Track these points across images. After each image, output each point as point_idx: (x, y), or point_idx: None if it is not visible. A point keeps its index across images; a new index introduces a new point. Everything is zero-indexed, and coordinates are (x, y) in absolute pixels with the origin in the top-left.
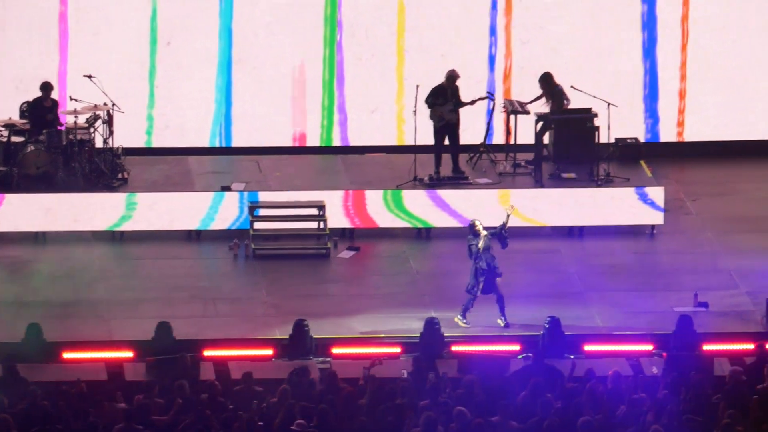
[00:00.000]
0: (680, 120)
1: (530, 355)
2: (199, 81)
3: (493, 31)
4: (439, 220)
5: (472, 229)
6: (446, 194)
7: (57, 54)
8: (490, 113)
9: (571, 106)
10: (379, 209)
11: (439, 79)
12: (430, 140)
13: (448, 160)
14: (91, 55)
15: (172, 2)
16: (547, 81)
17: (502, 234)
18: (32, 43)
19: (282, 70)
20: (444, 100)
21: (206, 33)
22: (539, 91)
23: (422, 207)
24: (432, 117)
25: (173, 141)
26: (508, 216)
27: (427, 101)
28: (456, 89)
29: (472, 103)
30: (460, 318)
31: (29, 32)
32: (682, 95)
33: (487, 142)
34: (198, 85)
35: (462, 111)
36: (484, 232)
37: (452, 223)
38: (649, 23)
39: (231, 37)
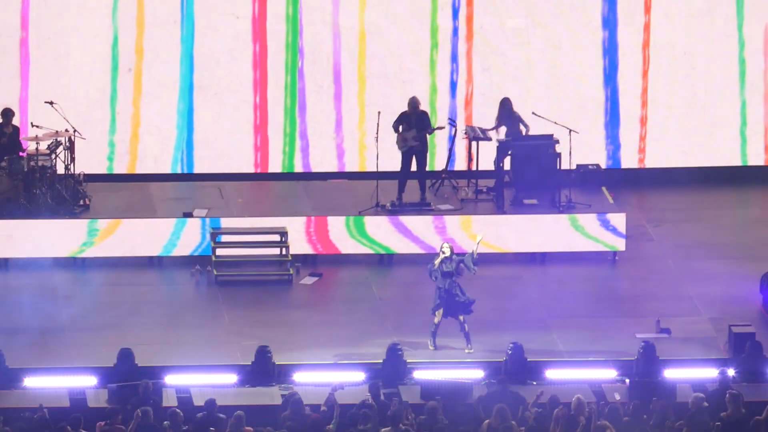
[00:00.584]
0: (641, 146)
1: (493, 381)
2: (160, 107)
3: (454, 58)
4: (401, 246)
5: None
6: (408, 220)
7: (18, 80)
8: (452, 140)
9: (532, 133)
10: (341, 235)
11: (401, 105)
12: (392, 166)
13: (412, 186)
14: (52, 81)
15: (134, 29)
16: (504, 106)
17: (467, 262)
18: None
19: (243, 96)
20: (408, 127)
21: (167, 59)
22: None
23: (384, 233)
24: (397, 143)
25: (135, 167)
26: (477, 245)
27: (393, 126)
28: (422, 115)
29: (432, 130)
30: (430, 341)
31: None
32: (643, 122)
33: (449, 169)
34: (159, 112)
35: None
36: (443, 255)
37: (414, 249)
38: (611, 50)
39: (192, 63)
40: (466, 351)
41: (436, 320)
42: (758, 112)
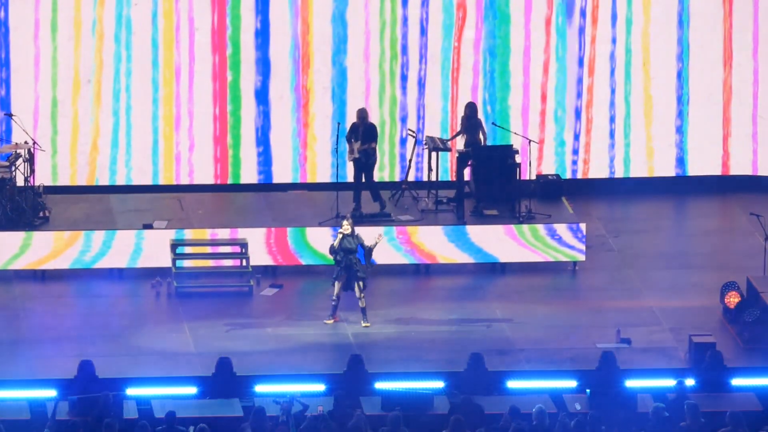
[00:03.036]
0: (602, 157)
1: (456, 392)
2: (121, 118)
3: (416, 68)
4: (360, 257)
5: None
6: (368, 231)
7: None
8: (412, 150)
9: (491, 143)
10: (301, 247)
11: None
12: (351, 178)
13: (367, 197)
14: (11, 93)
15: (93, 40)
16: (468, 110)
17: (365, 253)
18: None
19: (204, 107)
20: (356, 138)
21: (129, 70)
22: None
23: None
24: (347, 154)
25: (94, 179)
26: (376, 244)
27: (346, 137)
28: (369, 127)
29: (373, 143)
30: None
31: None
32: (605, 132)
33: (408, 180)
34: (120, 123)
35: (384, 148)
36: (341, 233)
37: (376, 260)
38: (570, 59)
39: (158, 74)
40: (363, 325)
41: (335, 292)
42: (717, 123)
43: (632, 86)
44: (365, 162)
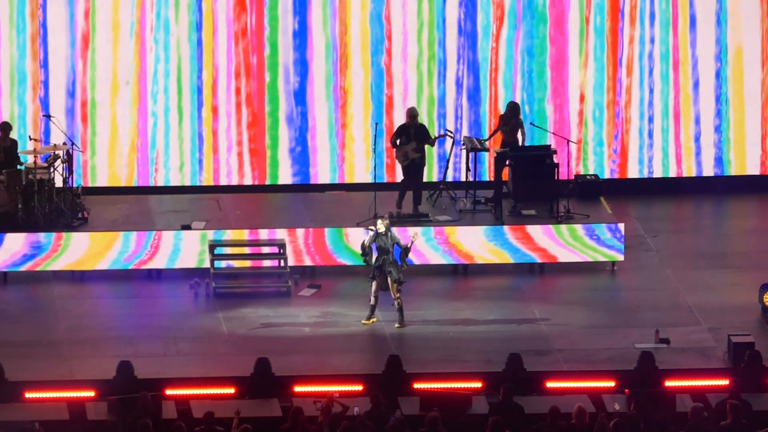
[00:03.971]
0: (641, 157)
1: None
2: (159, 119)
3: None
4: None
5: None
6: (405, 231)
7: (17, 93)
8: (450, 151)
9: (529, 143)
10: (339, 247)
11: (399, 116)
12: (389, 178)
13: (407, 198)
14: (49, 94)
15: (131, 42)
16: (510, 110)
17: (401, 253)
18: None
19: (241, 108)
20: (408, 139)
21: (166, 71)
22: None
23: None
24: (397, 156)
25: (132, 180)
26: (412, 243)
27: (392, 141)
28: (421, 127)
29: (433, 142)
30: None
31: None
32: (644, 132)
33: (446, 180)
34: (159, 124)
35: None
36: (379, 229)
37: (414, 260)
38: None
39: (196, 75)
40: (395, 326)
41: (372, 292)
42: (756, 122)
43: (670, 86)
44: (419, 163)
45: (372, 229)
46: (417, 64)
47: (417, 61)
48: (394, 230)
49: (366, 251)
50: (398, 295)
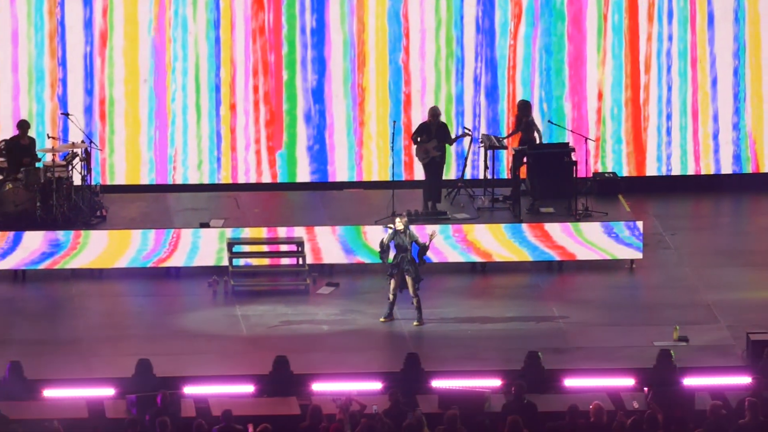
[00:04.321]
0: (659, 154)
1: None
2: (177, 117)
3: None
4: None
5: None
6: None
7: (34, 91)
8: (468, 148)
9: (546, 141)
10: (357, 245)
11: (417, 114)
12: (408, 176)
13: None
14: (67, 92)
15: (149, 39)
16: (521, 109)
17: (419, 251)
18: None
19: (259, 106)
20: (429, 137)
21: (184, 69)
22: (515, 126)
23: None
24: (417, 154)
25: (151, 178)
26: (430, 241)
27: (413, 138)
28: (442, 126)
29: (452, 141)
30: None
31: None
32: (662, 130)
33: (464, 178)
34: (177, 122)
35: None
36: (398, 227)
37: (432, 258)
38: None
39: (214, 73)
40: (414, 324)
41: (390, 290)
42: None
43: (688, 83)
44: (440, 161)
45: (390, 227)
46: (435, 62)
47: (435, 58)
48: (413, 228)
49: (384, 249)
50: (416, 293)
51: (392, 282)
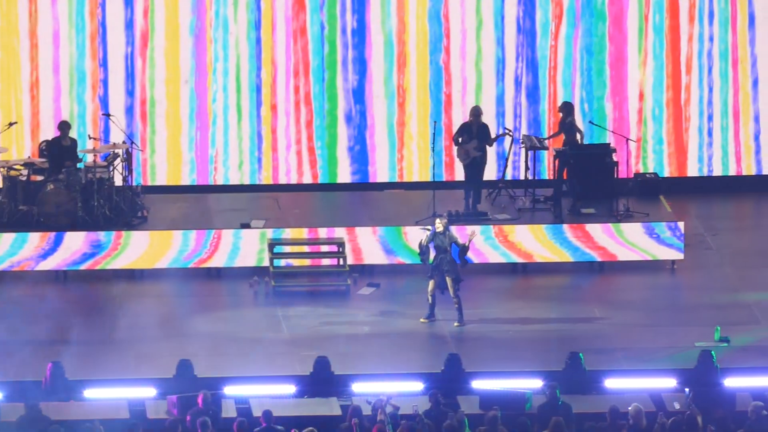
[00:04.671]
0: (701, 155)
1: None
2: (218, 118)
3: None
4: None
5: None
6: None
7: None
8: (509, 149)
9: (587, 141)
10: (397, 246)
11: (458, 114)
12: (448, 176)
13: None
14: (108, 93)
15: (190, 40)
16: (562, 110)
17: (460, 251)
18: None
19: (300, 107)
20: (470, 138)
21: (225, 70)
22: (557, 127)
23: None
24: (458, 154)
25: (192, 178)
26: (470, 241)
27: (454, 138)
28: (483, 126)
29: (492, 141)
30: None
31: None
32: (703, 131)
33: (505, 178)
34: (218, 123)
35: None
36: (437, 228)
37: (473, 259)
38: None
39: (254, 73)
40: (454, 325)
41: (429, 291)
42: None
43: (729, 84)
44: (480, 162)
45: (429, 229)
46: (476, 63)
47: (476, 59)
48: (453, 229)
49: (423, 250)
50: (456, 294)
51: (431, 283)
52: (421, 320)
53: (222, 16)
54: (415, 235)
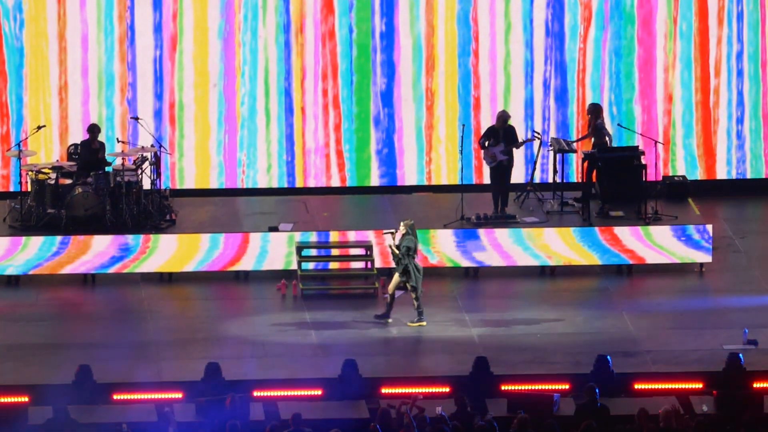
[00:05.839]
0: (729, 158)
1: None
2: (246, 121)
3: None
4: (487, 259)
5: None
6: (494, 233)
7: (104, 96)
8: (538, 152)
9: (616, 144)
10: (425, 249)
11: (486, 118)
12: (477, 179)
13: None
14: (137, 96)
15: (218, 44)
16: (590, 112)
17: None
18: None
19: (329, 110)
20: (496, 141)
21: (254, 74)
22: (586, 130)
23: (470, 246)
24: (485, 158)
25: (220, 182)
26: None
27: (480, 142)
28: (510, 130)
29: (521, 144)
30: (419, 319)
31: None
32: (732, 133)
33: (533, 181)
34: (246, 126)
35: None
36: (401, 230)
37: (500, 262)
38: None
39: (283, 77)
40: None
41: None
42: None
43: (759, 87)
44: (507, 165)
45: (393, 231)
46: (504, 66)
47: (504, 62)
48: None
49: (394, 253)
50: (395, 291)
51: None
52: (408, 324)
53: (251, 19)
54: (442, 238)
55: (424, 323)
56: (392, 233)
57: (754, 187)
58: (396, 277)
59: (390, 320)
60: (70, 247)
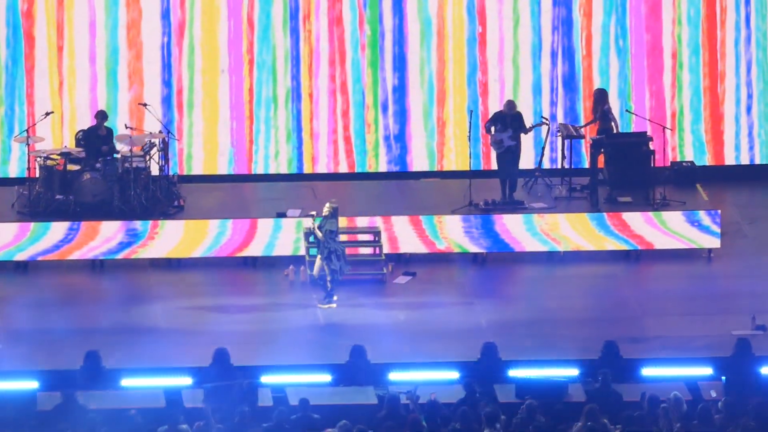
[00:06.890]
0: (738, 143)
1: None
2: (255, 108)
3: (550, 56)
4: (494, 245)
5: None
6: (502, 219)
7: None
8: (546, 138)
9: (624, 130)
10: (434, 235)
11: (494, 103)
12: (485, 165)
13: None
14: (145, 83)
15: (227, 31)
16: (597, 98)
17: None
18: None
19: (340, 99)
20: (504, 127)
21: (263, 61)
22: (591, 115)
23: (477, 232)
24: (492, 144)
25: (228, 168)
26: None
27: (486, 127)
28: (517, 116)
29: (529, 129)
30: (328, 301)
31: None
32: (740, 118)
33: (542, 167)
34: (256, 113)
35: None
36: (324, 212)
37: (508, 248)
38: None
39: (292, 65)
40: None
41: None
42: None
43: (767, 72)
44: (515, 151)
45: (313, 214)
46: (513, 52)
47: (513, 48)
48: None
49: (316, 236)
50: (328, 276)
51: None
52: (319, 305)
53: (259, 5)
54: (453, 225)
55: (334, 305)
56: (313, 216)
57: (762, 173)
58: (318, 260)
59: (335, 298)
60: (79, 233)
